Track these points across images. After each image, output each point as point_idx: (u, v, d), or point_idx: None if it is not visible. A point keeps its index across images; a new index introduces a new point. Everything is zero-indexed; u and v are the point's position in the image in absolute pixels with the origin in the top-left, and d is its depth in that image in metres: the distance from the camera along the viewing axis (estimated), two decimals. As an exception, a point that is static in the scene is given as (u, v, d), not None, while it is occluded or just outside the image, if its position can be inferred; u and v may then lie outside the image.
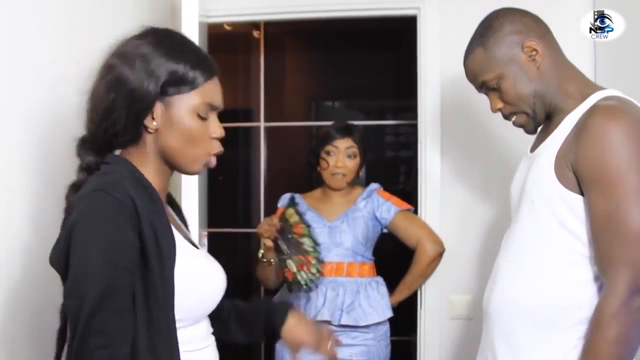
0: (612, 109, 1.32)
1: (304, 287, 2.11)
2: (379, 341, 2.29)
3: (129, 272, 1.00)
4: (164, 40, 1.14)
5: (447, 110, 2.46)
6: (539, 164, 1.41)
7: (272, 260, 2.11)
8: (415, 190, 2.56)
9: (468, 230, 2.43)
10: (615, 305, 1.23)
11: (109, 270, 0.98)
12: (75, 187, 1.12)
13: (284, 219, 2.12)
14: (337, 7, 2.57)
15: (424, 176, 2.49)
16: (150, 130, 1.12)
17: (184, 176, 1.91)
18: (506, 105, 1.47)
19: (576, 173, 1.32)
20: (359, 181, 2.47)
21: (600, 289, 1.32)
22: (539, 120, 1.48)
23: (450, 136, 2.47)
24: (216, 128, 1.16)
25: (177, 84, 1.11)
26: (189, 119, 1.12)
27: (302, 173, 2.47)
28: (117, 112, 1.09)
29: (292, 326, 1.33)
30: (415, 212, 2.50)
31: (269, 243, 2.07)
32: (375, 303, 2.27)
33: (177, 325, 1.07)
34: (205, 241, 2.11)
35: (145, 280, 1.02)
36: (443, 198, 2.47)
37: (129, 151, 1.15)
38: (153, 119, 1.11)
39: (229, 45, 3.67)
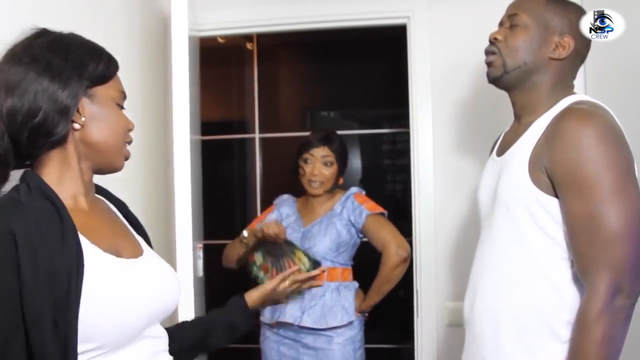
0: (585, 112, 1.34)
1: (253, 275, 2.29)
2: (345, 345, 2.30)
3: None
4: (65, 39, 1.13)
5: (438, 117, 2.48)
6: (512, 167, 1.41)
7: (249, 243, 2.30)
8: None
9: (462, 237, 2.43)
10: (598, 306, 1.24)
11: None
12: None
13: (289, 245, 2.24)
14: (328, 18, 2.60)
15: (417, 183, 2.50)
16: (77, 127, 1.06)
17: (177, 189, 1.91)
18: (502, 43, 1.48)
19: (551, 176, 1.33)
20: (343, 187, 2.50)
21: (580, 290, 1.32)
22: (505, 80, 1.49)
23: (442, 143, 2.48)
24: (129, 119, 1.16)
25: (99, 76, 1.09)
26: (114, 110, 1.12)
27: (298, 184, 2.50)
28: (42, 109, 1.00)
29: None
30: (409, 219, 2.50)
31: (260, 235, 2.23)
32: (337, 307, 2.29)
33: (95, 353, 0.98)
34: (201, 254, 2.12)
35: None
36: (436, 206, 2.48)
37: (43, 161, 1.06)
38: (79, 113, 1.06)
39: (222, 57, 3.70)
